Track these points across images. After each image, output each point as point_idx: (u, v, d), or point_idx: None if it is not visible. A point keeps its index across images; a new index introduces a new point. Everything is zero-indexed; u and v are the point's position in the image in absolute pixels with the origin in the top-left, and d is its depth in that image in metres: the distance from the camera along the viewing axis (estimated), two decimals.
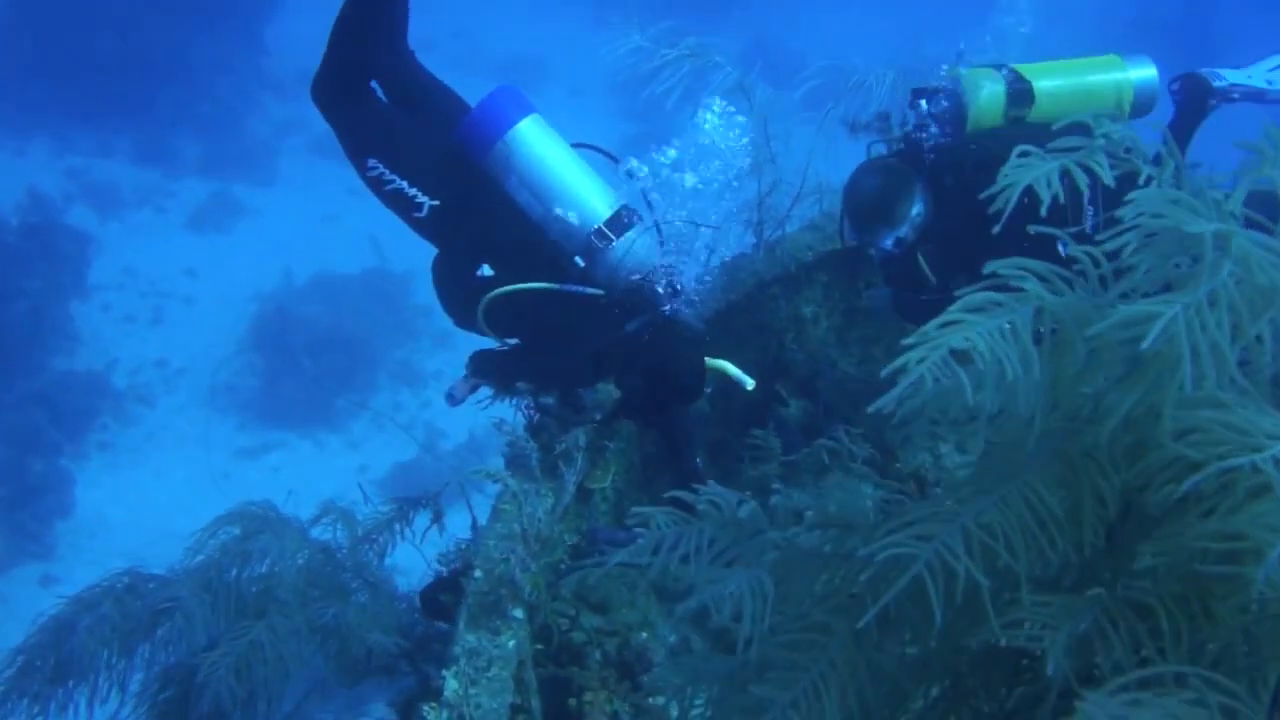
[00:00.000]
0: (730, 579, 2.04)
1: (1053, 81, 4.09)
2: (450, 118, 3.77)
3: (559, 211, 3.61)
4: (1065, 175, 1.76)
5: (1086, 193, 3.59)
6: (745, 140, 3.78)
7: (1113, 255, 1.67)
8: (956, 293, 1.72)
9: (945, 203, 4.00)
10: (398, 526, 3.89)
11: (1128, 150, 1.68)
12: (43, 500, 10.80)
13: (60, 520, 10.87)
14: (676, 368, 3.77)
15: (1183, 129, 4.13)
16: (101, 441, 11.86)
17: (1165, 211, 1.50)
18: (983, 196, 1.79)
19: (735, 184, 3.75)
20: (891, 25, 19.51)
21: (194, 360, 12.91)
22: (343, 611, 3.54)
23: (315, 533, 3.73)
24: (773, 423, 4.71)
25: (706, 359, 3.80)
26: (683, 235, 3.70)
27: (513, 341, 3.85)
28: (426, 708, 2.88)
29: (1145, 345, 1.44)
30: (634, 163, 3.64)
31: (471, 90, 3.91)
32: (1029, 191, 1.75)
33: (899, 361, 1.64)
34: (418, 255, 4.02)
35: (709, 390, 4.00)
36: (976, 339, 1.60)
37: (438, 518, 3.91)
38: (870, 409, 1.59)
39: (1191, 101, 4.23)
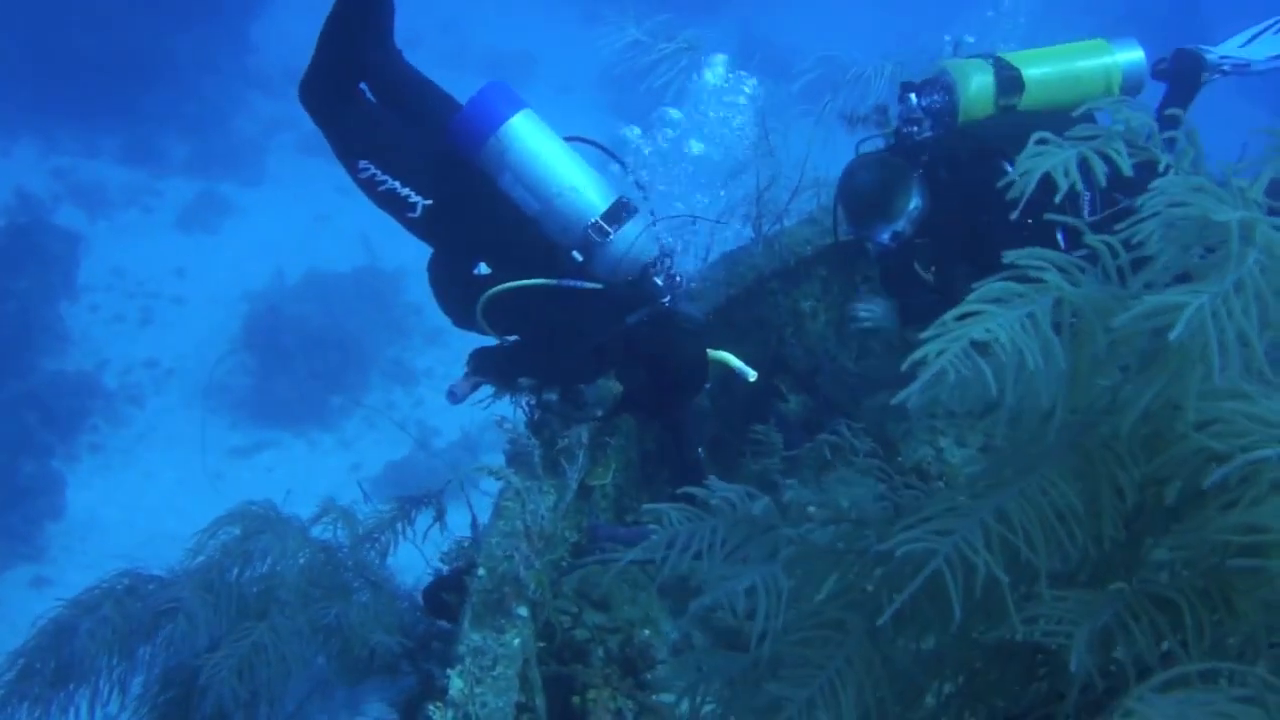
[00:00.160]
0: (743, 575, 2.01)
1: (1041, 68, 4.08)
2: (440, 116, 3.72)
3: (555, 206, 3.58)
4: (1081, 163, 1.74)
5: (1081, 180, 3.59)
6: (745, 97, 3.73)
7: (1126, 244, 1.65)
8: (973, 285, 1.69)
9: (940, 195, 3.99)
10: (400, 525, 3.86)
11: (1148, 138, 1.65)
12: (34, 502, 10.76)
13: (51, 522, 10.83)
14: (679, 359, 3.75)
15: (1177, 105, 4.13)
16: (92, 443, 11.82)
17: (1190, 199, 1.48)
18: (1000, 185, 1.77)
19: (739, 145, 3.69)
20: (882, 18, 19.54)
21: (184, 360, 12.87)
22: (345, 611, 3.51)
23: (316, 532, 3.70)
24: (773, 418, 4.69)
25: (709, 350, 3.77)
26: (682, 226, 3.68)
27: (513, 339, 3.83)
28: (432, 707, 2.86)
29: (1174, 335, 1.41)
30: (636, 130, 3.60)
31: (459, 87, 3.86)
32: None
33: (918, 353, 1.61)
34: (409, 253, 3.98)
35: (709, 384, 3.99)
36: (998, 330, 1.57)
37: (440, 516, 3.89)
38: (893, 402, 1.56)
39: (1185, 76, 4.23)
